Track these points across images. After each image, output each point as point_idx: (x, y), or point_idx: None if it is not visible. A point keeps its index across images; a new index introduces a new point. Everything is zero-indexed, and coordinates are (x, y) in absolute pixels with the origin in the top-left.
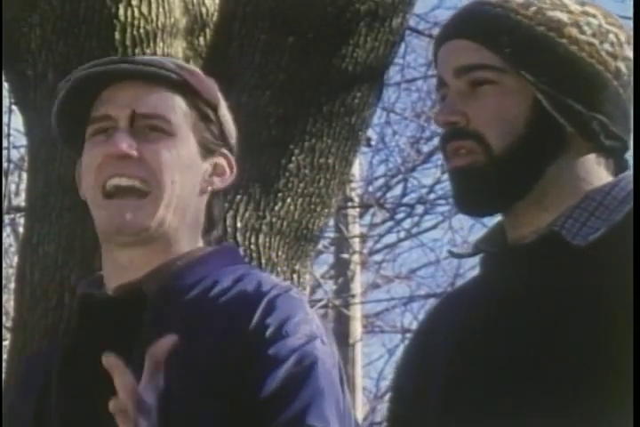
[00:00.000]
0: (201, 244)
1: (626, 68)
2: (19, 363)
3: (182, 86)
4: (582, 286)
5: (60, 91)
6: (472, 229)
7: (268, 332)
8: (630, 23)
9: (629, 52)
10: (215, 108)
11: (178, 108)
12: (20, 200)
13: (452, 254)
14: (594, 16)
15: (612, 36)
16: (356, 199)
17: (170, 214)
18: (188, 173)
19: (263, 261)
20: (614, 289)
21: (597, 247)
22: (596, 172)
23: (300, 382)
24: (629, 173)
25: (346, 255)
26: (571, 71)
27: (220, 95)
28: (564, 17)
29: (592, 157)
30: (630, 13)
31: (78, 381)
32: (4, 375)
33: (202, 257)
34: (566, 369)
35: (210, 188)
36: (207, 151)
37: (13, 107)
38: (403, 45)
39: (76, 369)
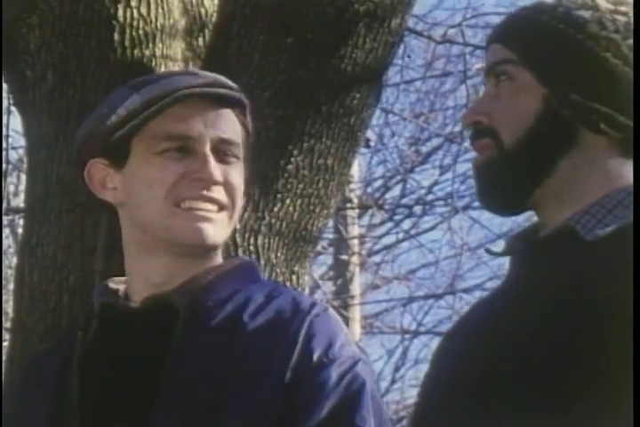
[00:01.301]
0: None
1: None
2: (23, 362)
3: (239, 106)
4: (587, 281)
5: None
6: (471, 230)
7: (315, 357)
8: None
9: None
10: (249, 126)
11: (240, 130)
12: (19, 201)
13: (490, 252)
14: (624, 14)
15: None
16: (355, 200)
17: (230, 233)
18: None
19: (262, 262)
20: (612, 289)
21: (604, 244)
22: (621, 171)
23: (351, 407)
24: None
25: (345, 256)
26: (578, 65)
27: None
28: (587, 14)
29: (608, 152)
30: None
31: (100, 391)
32: (3, 376)
33: (231, 271)
34: (563, 369)
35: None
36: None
37: (12, 108)
38: (402, 46)
39: (97, 379)
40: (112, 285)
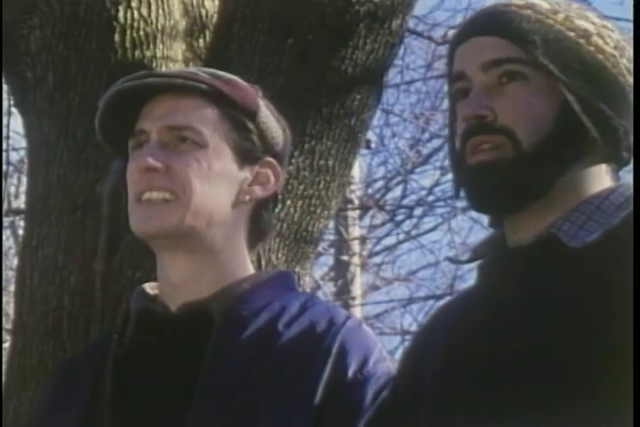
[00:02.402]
0: (247, 256)
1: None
2: (20, 369)
3: (215, 96)
4: (577, 288)
5: (99, 108)
6: (471, 230)
7: (350, 374)
8: (630, 25)
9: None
10: (253, 117)
11: (209, 118)
12: (20, 203)
13: (452, 261)
14: (612, 31)
15: (627, 53)
16: (356, 201)
17: (203, 223)
18: (221, 183)
19: (263, 263)
20: (609, 291)
21: (592, 250)
22: (601, 178)
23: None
24: (628, 180)
25: (345, 257)
26: (597, 77)
27: (260, 102)
28: (590, 27)
29: (604, 165)
30: (630, 15)
31: (134, 394)
32: (3, 378)
33: (267, 280)
34: (563, 370)
35: (248, 197)
36: (245, 160)
37: (13, 109)
38: (402, 47)
39: (132, 382)
40: (149, 290)
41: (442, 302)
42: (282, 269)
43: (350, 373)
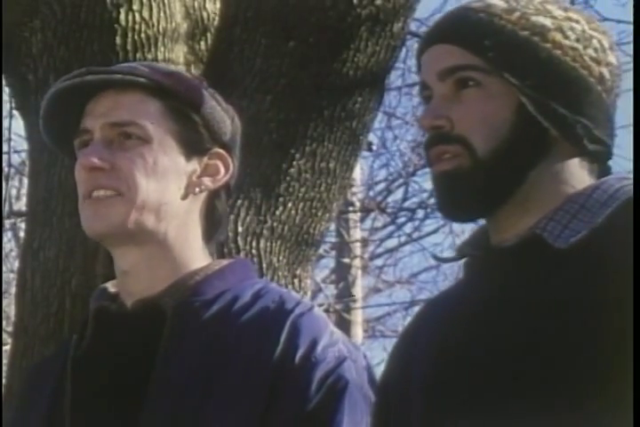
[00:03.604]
0: (204, 248)
1: (609, 73)
2: (21, 371)
3: (156, 90)
4: (564, 287)
5: (40, 107)
6: None
7: (297, 358)
8: (630, 27)
9: (612, 58)
10: (197, 108)
11: (152, 112)
12: (21, 205)
13: (437, 259)
14: (577, 22)
15: (595, 42)
16: (357, 204)
17: (149, 217)
18: (168, 177)
19: (264, 265)
20: (595, 290)
21: (578, 250)
22: (580, 176)
23: (334, 408)
24: (612, 176)
25: (347, 260)
26: (554, 75)
27: (204, 93)
28: (547, 22)
29: (576, 161)
30: (630, 17)
31: (92, 394)
32: (4, 380)
33: (219, 271)
34: (548, 370)
35: (198, 189)
36: (193, 152)
37: (14, 111)
38: (404, 50)
39: (90, 382)
40: (110, 288)
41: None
42: (238, 258)
43: (298, 358)
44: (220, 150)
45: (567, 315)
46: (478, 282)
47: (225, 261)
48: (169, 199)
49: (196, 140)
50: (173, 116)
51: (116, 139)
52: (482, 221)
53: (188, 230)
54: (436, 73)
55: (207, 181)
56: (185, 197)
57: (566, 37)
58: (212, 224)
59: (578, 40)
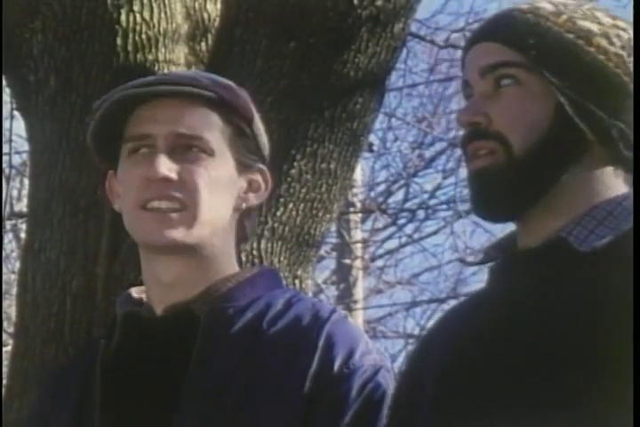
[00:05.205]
0: (234, 256)
1: None
2: (22, 372)
3: (218, 103)
4: (586, 292)
5: (96, 111)
6: (473, 234)
7: (336, 367)
8: (630, 28)
9: None
10: (250, 122)
11: (215, 125)
12: (22, 206)
13: (463, 262)
14: (624, 30)
15: None
16: (358, 205)
17: (206, 232)
18: (225, 191)
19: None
20: (616, 296)
21: (602, 255)
22: (612, 183)
23: (373, 417)
24: None
25: (348, 261)
26: (595, 78)
27: (253, 108)
28: (594, 27)
29: (610, 169)
30: (630, 18)
31: (122, 396)
32: (4, 381)
33: (251, 278)
34: (567, 373)
35: (245, 204)
36: (244, 167)
37: (15, 112)
38: (404, 51)
39: (120, 385)
40: (135, 294)
41: (446, 306)
42: (266, 266)
43: (336, 366)
44: (262, 166)
45: (587, 319)
46: (503, 284)
47: (255, 269)
48: (223, 215)
49: (247, 156)
50: (232, 131)
51: (180, 150)
52: (511, 226)
53: (229, 242)
54: (477, 70)
55: (252, 197)
56: (234, 211)
57: (612, 44)
58: (243, 234)
59: (623, 47)
